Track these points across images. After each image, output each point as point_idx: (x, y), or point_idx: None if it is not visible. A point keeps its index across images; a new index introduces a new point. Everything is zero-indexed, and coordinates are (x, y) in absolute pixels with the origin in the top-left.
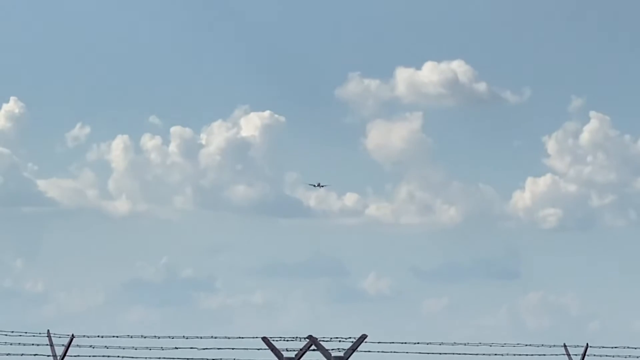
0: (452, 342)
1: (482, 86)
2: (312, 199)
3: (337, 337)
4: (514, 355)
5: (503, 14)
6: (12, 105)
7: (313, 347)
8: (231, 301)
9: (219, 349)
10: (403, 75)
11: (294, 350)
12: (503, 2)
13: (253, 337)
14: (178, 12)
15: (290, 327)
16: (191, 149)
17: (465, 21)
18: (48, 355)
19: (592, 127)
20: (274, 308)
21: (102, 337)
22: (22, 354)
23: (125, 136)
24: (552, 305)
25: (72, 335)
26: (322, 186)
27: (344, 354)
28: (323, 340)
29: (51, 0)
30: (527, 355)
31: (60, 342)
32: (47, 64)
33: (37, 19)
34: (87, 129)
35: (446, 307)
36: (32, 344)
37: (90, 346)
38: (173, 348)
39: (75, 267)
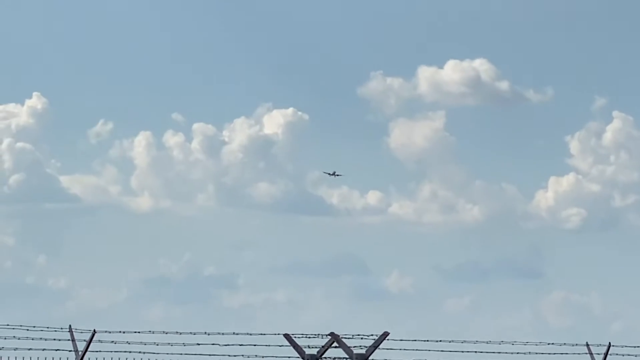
0: (475, 340)
1: (504, 85)
2: (334, 196)
3: (359, 335)
4: (536, 354)
5: (525, 13)
6: (35, 101)
7: (335, 344)
8: (254, 299)
9: (240, 345)
10: (425, 73)
11: (316, 347)
12: (525, 1)
13: (275, 334)
14: (202, 11)
15: (312, 325)
16: (214, 146)
17: (487, 19)
18: (70, 351)
19: (615, 127)
20: (296, 306)
21: (123, 332)
22: (44, 349)
23: (148, 132)
24: (575, 304)
25: (94, 330)
26: (338, 175)
27: (366, 351)
28: (345, 337)
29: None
30: (549, 354)
31: (82, 338)
32: (70, 60)
33: (61, 17)
34: (110, 125)
35: (469, 306)
36: (54, 339)
37: (112, 342)
38: (195, 344)
39: (98, 264)
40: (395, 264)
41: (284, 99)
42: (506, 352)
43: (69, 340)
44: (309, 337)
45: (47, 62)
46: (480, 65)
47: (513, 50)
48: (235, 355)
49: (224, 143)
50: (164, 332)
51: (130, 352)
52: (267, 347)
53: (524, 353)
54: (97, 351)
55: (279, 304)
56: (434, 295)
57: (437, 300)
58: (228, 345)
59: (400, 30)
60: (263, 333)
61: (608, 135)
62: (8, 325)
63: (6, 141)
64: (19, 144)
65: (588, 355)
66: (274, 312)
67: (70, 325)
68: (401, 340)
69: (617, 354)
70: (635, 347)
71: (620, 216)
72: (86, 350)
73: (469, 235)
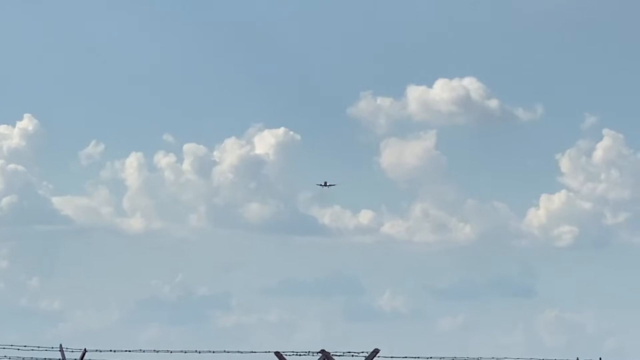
0: (465, 356)
1: (494, 103)
2: (326, 216)
3: (349, 352)
4: None
5: (514, 31)
6: (27, 122)
7: None
8: (246, 319)
9: None
10: (415, 93)
11: None
12: (514, 19)
13: (266, 352)
14: (192, 32)
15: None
16: (205, 167)
17: (475, 38)
18: None
19: (606, 145)
20: (289, 325)
21: (114, 351)
22: None
23: (139, 153)
24: (568, 322)
25: (85, 349)
26: (331, 185)
27: None
28: (336, 355)
29: (66, 21)
30: None
31: (72, 357)
32: (61, 81)
33: (52, 38)
34: (101, 147)
35: (462, 325)
36: (45, 359)
37: None
38: None
39: (90, 285)
40: (387, 283)
41: (275, 118)
42: None
43: (59, 359)
44: (300, 355)
45: (38, 84)
46: (470, 84)
47: (502, 69)
48: None
49: (215, 163)
50: (155, 350)
51: None
52: None
53: None
54: None
55: (271, 324)
56: (427, 314)
57: (430, 319)
58: None
59: (389, 50)
60: (254, 351)
61: (598, 153)
62: None
63: None
64: (11, 166)
65: None
66: (266, 331)
67: (60, 345)
68: (392, 357)
69: None
70: None
71: (612, 234)
72: None
73: (461, 254)
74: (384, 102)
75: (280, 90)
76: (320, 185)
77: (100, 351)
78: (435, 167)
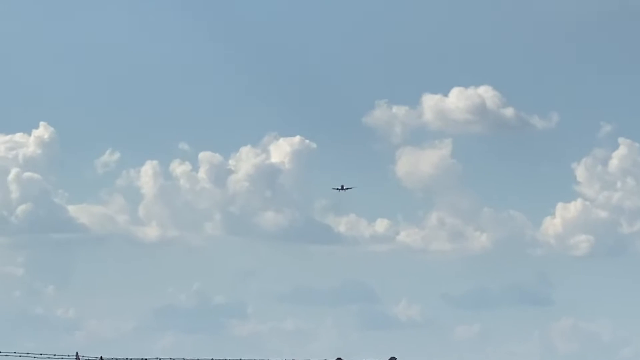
0: None
1: (509, 111)
2: (342, 225)
3: None
4: None
5: (529, 39)
6: (42, 130)
7: None
8: (262, 327)
9: None
10: (430, 102)
11: None
12: (529, 28)
13: None
14: (208, 41)
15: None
16: (220, 175)
17: (491, 46)
18: None
19: (621, 154)
20: (304, 334)
21: (130, 359)
22: None
23: (155, 162)
24: (584, 331)
25: (101, 357)
26: (347, 189)
27: None
28: None
29: (83, 31)
30: None
31: None
32: (76, 89)
33: (68, 48)
34: (117, 155)
35: (478, 334)
36: None
37: None
38: None
39: (106, 293)
40: (403, 292)
41: (291, 127)
42: None
43: None
44: None
45: (54, 92)
46: (485, 92)
47: (518, 77)
48: None
49: (230, 172)
50: (170, 358)
51: None
52: None
53: None
54: None
55: (287, 332)
56: (443, 323)
57: (446, 327)
58: None
59: (404, 59)
60: (270, 359)
61: (614, 162)
62: (15, 352)
63: (13, 171)
64: (27, 174)
65: None
66: (282, 340)
67: (77, 352)
68: None
69: None
70: None
71: (628, 242)
72: None
73: (477, 262)
74: (400, 110)
75: (295, 98)
76: (337, 189)
77: (117, 359)
78: (450, 175)
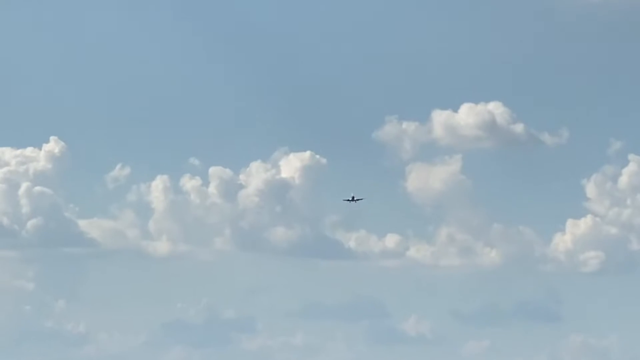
0: None
1: (519, 127)
2: (352, 240)
3: None
4: None
5: (539, 55)
6: (53, 145)
7: None
8: (271, 342)
9: None
10: (440, 117)
11: None
12: (539, 43)
13: None
14: (219, 55)
15: None
16: (230, 190)
17: (500, 62)
18: None
19: (631, 170)
20: (314, 349)
21: None
22: None
23: (165, 177)
24: (594, 347)
25: None
26: (357, 200)
27: None
28: None
29: (94, 45)
30: None
31: None
32: (87, 104)
33: (79, 62)
34: (127, 170)
35: (487, 350)
36: None
37: None
38: None
39: (116, 308)
40: (413, 307)
41: (301, 142)
42: None
43: None
44: None
45: (65, 106)
46: (495, 108)
47: (528, 93)
48: None
49: (240, 187)
50: None
51: None
52: None
53: None
54: None
55: (296, 347)
56: (452, 339)
57: (456, 343)
58: None
59: (414, 75)
60: None
61: (624, 178)
62: None
63: (24, 185)
64: (37, 188)
65: None
66: (292, 355)
67: None
68: None
69: None
70: None
71: (638, 259)
72: None
73: (486, 278)
74: (409, 126)
75: (306, 114)
76: (348, 200)
77: None
78: (460, 191)
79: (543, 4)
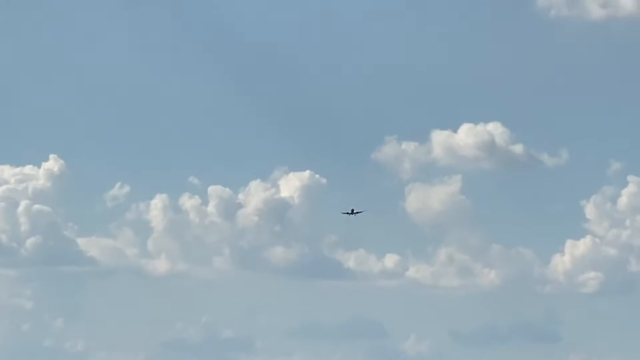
0: None
1: (519, 148)
2: (351, 260)
3: None
4: None
5: (538, 76)
6: (52, 163)
7: None
8: None
9: None
10: (439, 138)
11: None
12: (539, 65)
13: None
14: (217, 75)
15: None
16: (229, 209)
17: (500, 83)
18: None
19: (631, 191)
20: None
21: None
22: None
23: (164, 195)
24: None
25: None
26: (357, 213)
27: None
28: None
29: (93, 65)
30: None
31: None
32: (87, 122)
33: (78, 81)
34: (127, 188)
35: None
36: None
37: None
38: None
39: (115, 327)
40: (412, 328)
41: (300, 162)
42: None
43: None
44: None
45: (64, 125)
46: (495, 129)
47: (527, 114)
48: None
49: (240, 206)
50: None
51: None
52: None
53: None
54: None
55: None
56: (452, 359)
57: None
58: None
59: (414, 95)
60: None
61: (623, 200)
62: None
63: (23, 204)
64: (36, 207)
65: None
66: None
67: None
68: None
69: None
70: None
71: (637, 280)
72: None
73: (485, 299)
74: (409, 146)
75: (305, 134)
76: (347, 213)
77: None
78: (460, 212)
79: (543, 25)
